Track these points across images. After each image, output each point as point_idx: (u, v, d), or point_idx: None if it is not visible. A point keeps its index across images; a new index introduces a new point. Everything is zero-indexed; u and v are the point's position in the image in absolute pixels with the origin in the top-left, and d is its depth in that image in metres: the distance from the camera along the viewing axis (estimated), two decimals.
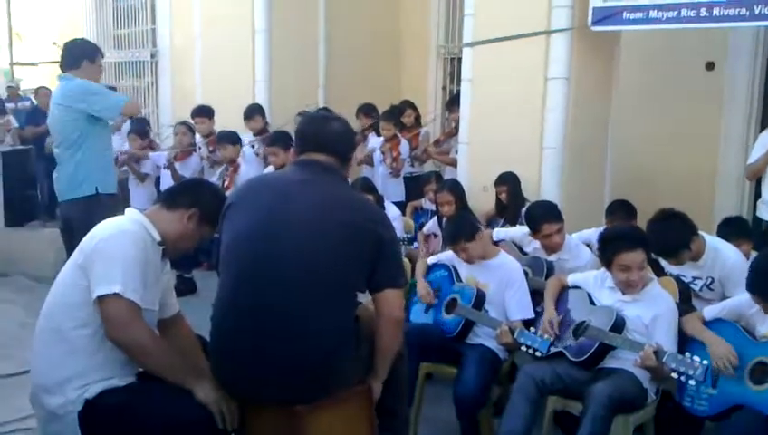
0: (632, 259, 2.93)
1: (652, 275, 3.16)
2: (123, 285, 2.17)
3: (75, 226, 4.20)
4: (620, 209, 4.29)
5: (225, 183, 5.40)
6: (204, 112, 6.23)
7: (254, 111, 6.22)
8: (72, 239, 4.31)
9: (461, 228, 3.49)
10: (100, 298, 2.18)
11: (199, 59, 7.24)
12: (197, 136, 6.19)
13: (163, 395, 2.24)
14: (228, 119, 6.14)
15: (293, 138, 2.54)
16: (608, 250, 3.01)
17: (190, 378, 2.25)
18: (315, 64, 7.07)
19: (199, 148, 6.08)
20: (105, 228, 2.32)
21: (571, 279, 3.33)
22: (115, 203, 4.35)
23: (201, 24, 7.24)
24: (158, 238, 2.37)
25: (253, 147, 6.00)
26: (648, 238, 3.00)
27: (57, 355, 2.24)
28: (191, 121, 6.18)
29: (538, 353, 3.08)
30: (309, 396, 2.17)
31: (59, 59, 4.35)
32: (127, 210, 2.46)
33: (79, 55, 4.26)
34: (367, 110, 6.50)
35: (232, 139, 5.65)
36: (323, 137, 2.36)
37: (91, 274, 2.21)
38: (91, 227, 2.37)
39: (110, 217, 2.42)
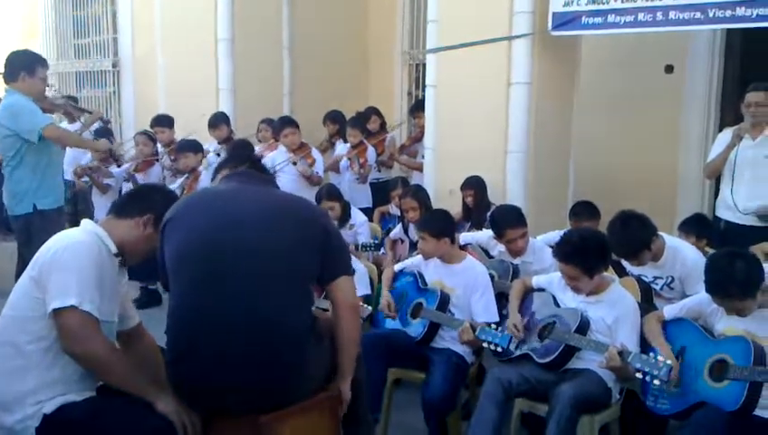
0: (562, 269, 3.05)
1: (614, 276, 3.21)
2: (79, 297, 2.13)
3: (18, 239, 4.33)
4: (584, 211, 4.34)
5: (185, 192, 5.33)
6: (163, 122, 6.17)
7: (218, 120, 6.17)
8: (19, 250, 4.32)
9: (431, 223, 3.55)
10: (56, 311, 2.14)
11: (162, 68, 7.16)
12: (159, 145, 6.12)
13: (123, 409, 2.20)
14: (192, 127, 6.08)
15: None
16: (553, 254, 3.13)
17: (151, 389, 2.22)
18: (280, 72, 7.04)
19: (161, 157, 6.01)
20: (59, 240, 2.28)
21: (536, 281, 3.36)
22: (59, 217, 4.37)
23: (163, 32, 7.15)
24: (114, 249, 2.34)
25: (218, 155, 5.95)
26: (587, 253, 3.01)
27: (13, 370, 2.19)
28: (151, 131, 6.10)
29: (499, 349, 3.12)
30: (273, 400, 2.15)
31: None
32: (82, 222, 2.44)
33: (17, 67, 4.20)
34: (334, 117, 6.50)
35: (193, 147, 5.60)
36: (237, 154, 2.62)
37: (46, 287, 2.18)
38: (33, 243, 2.34)
39: (62, 231, 2.39)
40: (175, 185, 5.50)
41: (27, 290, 2.23)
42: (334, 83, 7.16)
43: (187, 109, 6.43)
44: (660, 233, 3.39)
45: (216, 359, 2.13)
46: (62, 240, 2.28)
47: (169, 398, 2.21)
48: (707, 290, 2.69)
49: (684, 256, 3.36)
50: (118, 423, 2.17)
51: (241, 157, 2.62)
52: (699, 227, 3.90)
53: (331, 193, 4.72)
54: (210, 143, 6.13)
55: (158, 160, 5.83)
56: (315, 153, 5.76)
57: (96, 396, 2.28)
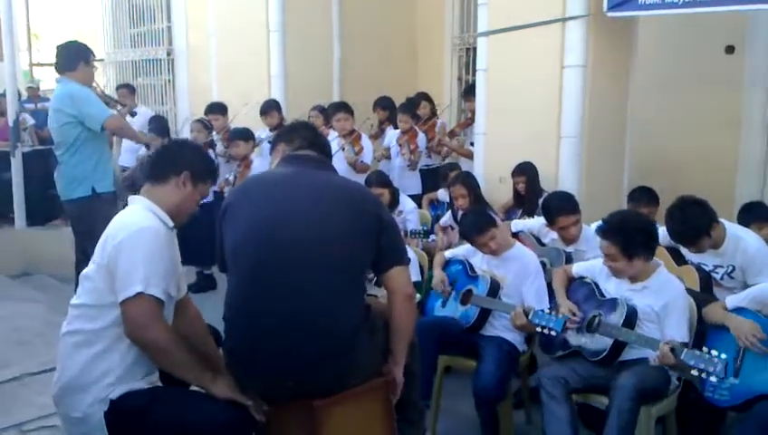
0: (603, 248, 2.98)
1: (659, 261, 3.11)
2: (145, 282, 2.18)
3: (75, 225, 4.51)
4: (642, 196, 4.26)
5: (237, 179, 5.42)
6: (217, 109, 6.28)
7: (270, 107, 6.23)
8: (76, 237, 4.46)
9: (473, 225, 3.48)
10: (123, 301, 2.20)
11: (214, 56, 7.27)
12: (214, 133, 6.23)
13: (185, 400, 2.28)
14: (244, 115, 6.16)
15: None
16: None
17: (207, 376, 2.27)
18: (330, 59, 7.07)
19: (215, 144, 6.12)
20: (124, 227, 2.31)
21: (576, 269, 3.29)
22: (114, 200, 4.54)
23: (216, 21, 7.26)
24: (171, 223, 2.39)
25: (270, 142, 6.01)
26: (627, 232, 2.93)
27: (88, 356, 2.27)
28: (206, 118, 6.21)
29: (553, 333, 3.05)
30: (328, 388, 2.18)
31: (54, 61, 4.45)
32: (131, 199, 2.45)
33: (74, 57, 4.37)
34: (383, 103, 6.49)
35: (244, 135, 5.67)
36: (301, 135, 2.50)
37: (114, 275, 2.23)
38: (92, 226, 2.40)
39: (123, 212, 2.42)
40: (230, 173, 5.60)
41: (98, 278, 2.29)
42: (384, 70, 7.16)
43: (238, 96, 6.51)
44: (721, 220, 3.29)
45: (270, 350, 2.17)
46: (128, 226, 2.30)
47: (225, 381, 2.26)
48: None
49: (746, 244, 3.24)
50: (178, 415, 2.23)
51: (302, 136, 2.51)
52: (759, 213, 3.75)
53: (381, 180, 4.73)
54: (262, 130, 6.21)
55: (212, 147, 5.94)
56: (365, 140, 5.76)
57: (161, 386, 2.35)
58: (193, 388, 2.34)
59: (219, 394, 2.23)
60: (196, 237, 3.52)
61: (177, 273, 2.43)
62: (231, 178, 5.48)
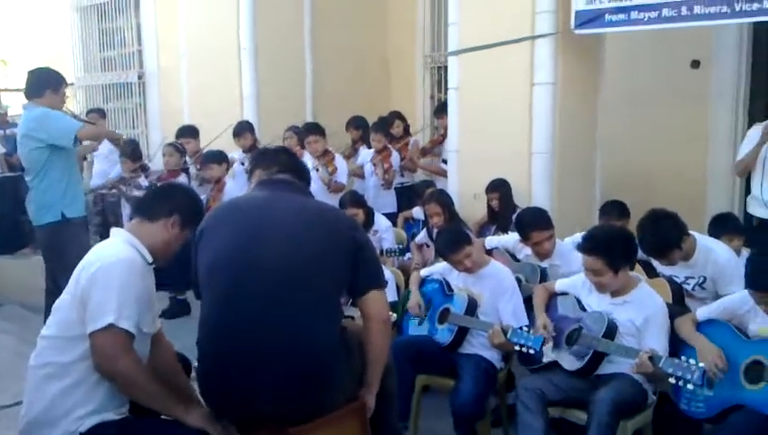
0: (585, 262, 2.99)
1: (640, 275, 3.15)
2: (117, 313, 2.15)
3: (45, 251, 4.44)
4: (613, 210, 4.31)
5: (210, 202, 5.38)
6: (188, 133, 6.25)
7: (243, 129, 6.21)
8: (46, 264, 4.40)
9: (448, 243, 3.48)
10: (92, 333, 2.17)
11: (186, 78, 7.25)
12: (187, 156, 6.19)
13: (156, 430, 2.25)
14: (217, 137, 6.13)
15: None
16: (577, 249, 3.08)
17: (180, 408, 2.24)
18: (302, 79, 7.08)
19: (188, 167, 6.08)
20: (100, 257, 2.28)
21: (558, 285, 3.32)
22: (85, 225, 4.51)
23: (186, 42, 7.25)
24: (150, 258, 2.38)
25: (243, 164, 5.99)
26: (612, 245, 2.97)
27: (57, 389, 2.22)
28: (178, 142, 6.17)
29: (531, 351, 3.07)
30: (305, 413, 2.15)
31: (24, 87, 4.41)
32: (113, 231, 2.45)
33: (43, 84, 4.33)
34: (357, 123, 6.51)
35: (217, 158, 5.65)
36: (276, 159, 2.53)
37: (86, 306, 2.20)
38: (62, 251, 2.37)
39: (102, 243, 2.41)
40: (204, 195, 5.55)
41: (70, 309, 2.25)
42: (356, 89, 7.18)
43: (211, 118, 6.49)
44: (692, 232, 3.33)
45: (244, 376, 2.13)
46: (103, 258, 2.27)
47: (199, 411, 2.23)
48: (750, 286, 2.62)
49: (716, 255, 3.29)
50: None
51: (279, 162, 2.53)
52: (729, 225, 3.82)
53: (355, 200, 4.72)
54: (235, 152, 6.18)
55: (184, 171, 5.89)
56: (339, 160, 5.77)
57: (130, 416, 2.31)
58: (164, 417, 2.29)
59: (192, 424, 2.19)
60: (169, 262, 3.47)
61: (152, 309, 2.41)
62: (205, 201, 5.43)
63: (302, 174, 2.58)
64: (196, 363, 2.33)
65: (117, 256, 2.27)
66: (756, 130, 4.36)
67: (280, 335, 2.13)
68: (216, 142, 6.05)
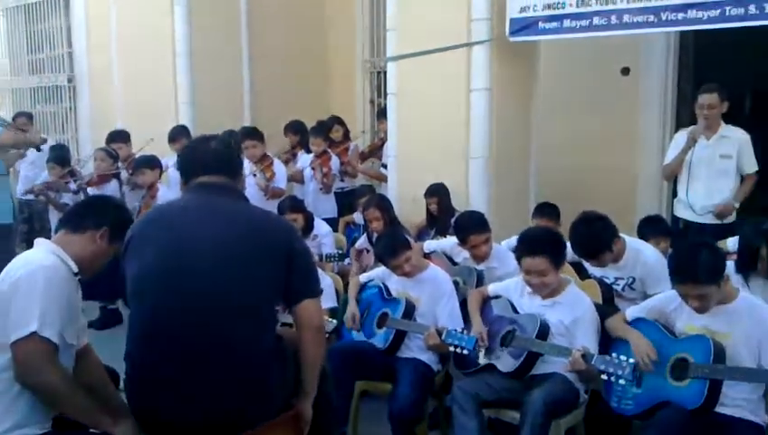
0: (530, 265, 3.03)
1: (569, 277, 3.23)
2: (39, 321, 2.07)
3: None
4: (546, 212, 4.39)
5: (141, 209, 5.24)
6: (119, 137, 6.10)
7: (178, 133, 6.07)
8: None
9: (387, 248, 3.49)
10: (14, 343, 2.08)
11: (118, 82, 7.05)
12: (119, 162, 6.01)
13: None
14: (151, 142, 5.98)
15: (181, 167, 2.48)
16: (515, 253, 3.13)
17: (107, 420, 2.17)
18: (240, 83, 6.98)
19: (120, 172, 5.91)
20: (21, 266, 2.20)
21: (492, 289, 3.37)
22: (9, 234, 4.40)
23: (118, 46, 7.05)
24: (75, 269, 2.30)
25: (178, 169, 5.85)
26: (555, 244, 3.06)
27: None
28: (110, 147, 6.00)
29: (465, 352, 3.10)
30: (237, 422, 2.10)
31: None
32: (36, 241, 2.38)
33: None
34: (295, 127, 6.46)
35: (150, 163, 5.50)
36: (207, 158, 2.34)
37: (8, 315, 2.11)
38: None
39: (25, 253, 2.33)
40: (136, 201, 5.41)
41: None
42: (295, 93, 7.13)
43: (145, 123, 6.33)
44: (621, 234, 3.43)
45: (174, 389, 2.08)
46: (25, 266, 2.19)
47: (127, 423, 2.16)
48: (673, 280, 2.69)
49: (645, 256, 3.40)
50: None
51: (208, 160, 2.35)
52: (657, 227, 3.95)
53: (294, 205, 4.68)
54: (170, 157, 6.04)
55: (115, 176, 5.72)
56: (277, 166, 5.71)
57: (52, 431, 2.21)
58: (91, 431, 2.21)
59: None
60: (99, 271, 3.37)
61: (77, 321, 2.32)
62: (137, 207, 5.28)
63: (236, 171, 2.42)
64: (124, 375, 2.25)
65: (40, 264, 2.19)
66: (682, 135, 4.53)
67: (210, 345, 2.08)
68: (150, 148, 5.89)
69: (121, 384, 2.39)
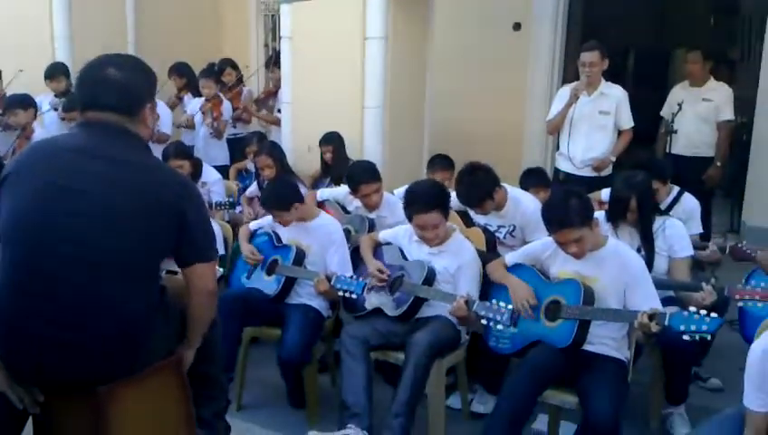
0: (425, 220, 3.09)
1: (455, 225, 3.34)
2: None
3: None
4: (439, 163, 4.48)
5: (16, 150, 4.89)
6: None
7: (56, 71, 5.67)
8: None
9: (275, 198, 3.47)
10: None
11: None
12: None
13: None
14: (26, 79, 5.55)
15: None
16: (406, 210, 3.17)
17: None
18: (123, 21, 6.56)
19: None
20: None
21: (383, 235, 3.43)
22: None
23: None
24: None
25: (56, 109, 5.50)
26: (443, 196, 3.14)
27: None
28: None
29: (354, 296, 3.17)
30: (112, 376, 2.03)
31: None
32: None
33: None
34: (180, 70, 6.18)
35: (23, 103, 5.10)
36: (103, 90, 2.02)
37: None
38: None
39: None
40: (8, 144, 5.03)
41: None
42: (185, 34, 6.81)
43: (20, 58, 5.83)
44: (503, 184, 3.57)
45: (48, 339, 1.97)
46: None
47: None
48: (550, 229, 2.83)
49: (524, 205, 3.56)
50: None
51: (107, 94, 2.01)
52: (538, 178, 4.14)
53: (179, 151, 4.47)
54: (46, 95, 5.64)
55: None
56: (161, 108, 5.44)
57: None
58: None
59: None
60: None
61: None
62: (9, 150, 4.92)
63: (133, 108, 2.07)
64: None
65: None
66: (566, 91, 4.72)
67: (85, 299, 1.98)
68: (25, 86, 5.46)
69: None
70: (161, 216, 2.04)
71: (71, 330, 1.98)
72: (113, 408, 2.01)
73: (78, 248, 1.98)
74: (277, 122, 5.74)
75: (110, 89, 2.02)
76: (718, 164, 5.02)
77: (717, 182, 5.15)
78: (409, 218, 3.17)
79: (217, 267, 3.44)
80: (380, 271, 3.21)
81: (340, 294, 3.20)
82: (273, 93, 6.10)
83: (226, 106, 5.79)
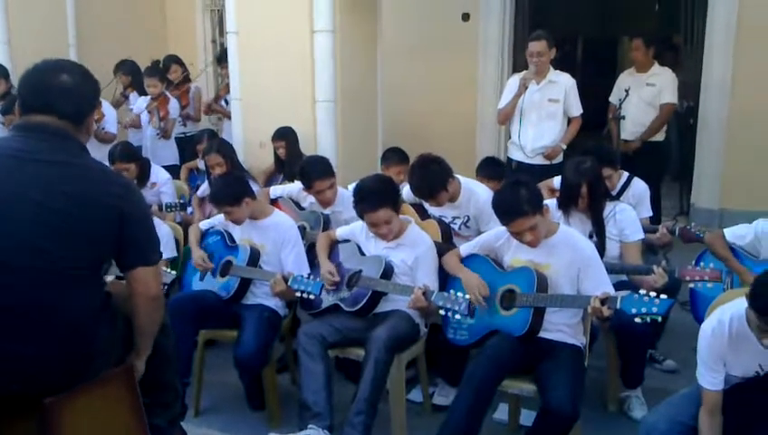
0: (375, 218, 3.08)
1: (410, 218, 3.33)
2: None
3: None
4: (393, 156, 4.45)
5: None
6: None
7: None
8: None
9: (224, 193, 3.39)
10: None
11: None
12: None
13: None
14: None
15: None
16: (356, 208, 3.15)
17: None
18: (63, 19, 6.34)
19: None
20: None
21: (339, 233, 3.40)
22: None
23: None
24: None
25: None
26: (391, 192, 3.13)
27: None
28: None
29: (312, 296, 3.13)
30: (58, 387, 1.96)
31: None
32: None
33: None
34: (126, 68, 6.03)
35: None
36: (49, 94, 1.97)
37: None
38: None
39: None
40: None
41: None
42: (128, 31, 6.62)
43: None
44: (456, 175, 3.57)
45: None
46: None
47: None
48: (503, 221, 2.83)
49: (477, 196, 3.57)
50: None
51: (48, 96, 1.97)
52: (492, 169, 4.15)
53: (126, 153, 4.34)
54: None
55: None
56: (106, 107, 5.31)
57: None
58: None
59: None
60: None
61: None
62: None
63: (80, 115, 2.04)
64: None
65: None
66: (515, 80, 4.75)
67: (25, 306, 1.91)
68: None
69: None
70: (102, 219, 1.99)
71: (11, 340, 1.90)
72: (61, 420, 1.94)
73: (17, 254, 1.90)
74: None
75: (64, 95, 1.99)
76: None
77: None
78: (360, 216, 3.15)
79: (169, 270, 3.41)
80: (331, 273, 3.18)
81: (298, 294, 3.16)
82: (228, 92, 6.00)
83: (173, 104, 5.66)
